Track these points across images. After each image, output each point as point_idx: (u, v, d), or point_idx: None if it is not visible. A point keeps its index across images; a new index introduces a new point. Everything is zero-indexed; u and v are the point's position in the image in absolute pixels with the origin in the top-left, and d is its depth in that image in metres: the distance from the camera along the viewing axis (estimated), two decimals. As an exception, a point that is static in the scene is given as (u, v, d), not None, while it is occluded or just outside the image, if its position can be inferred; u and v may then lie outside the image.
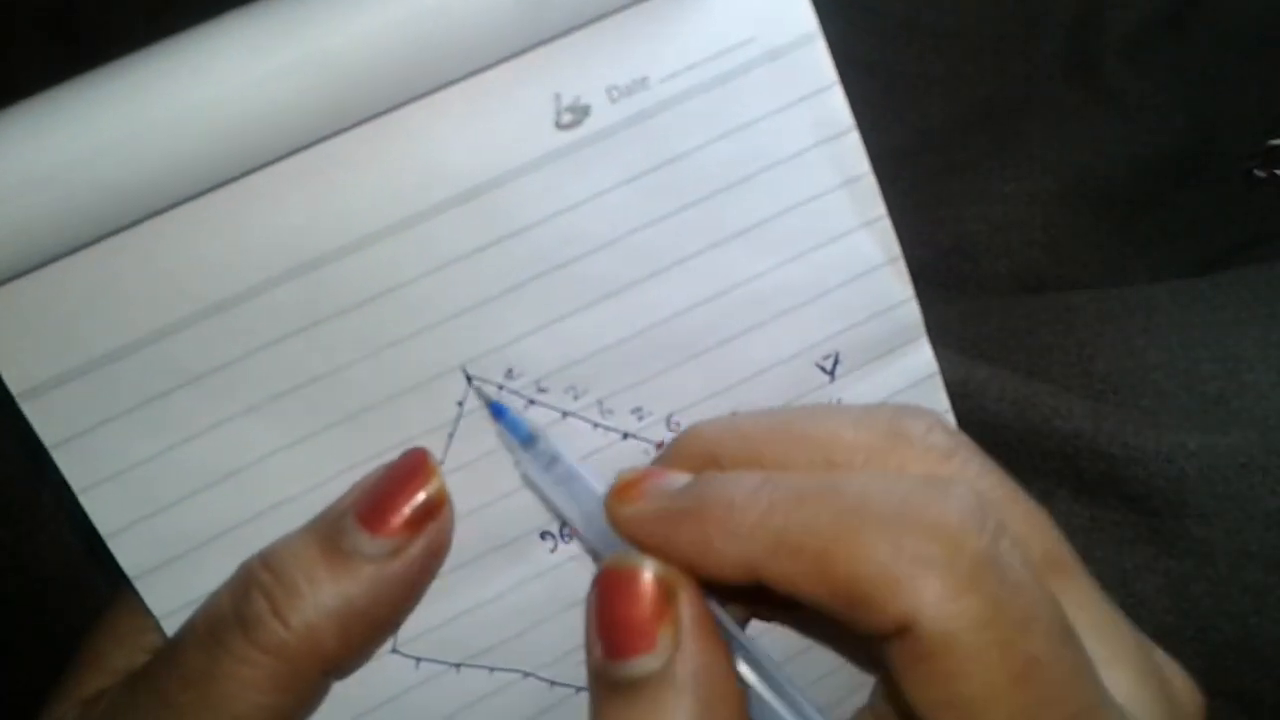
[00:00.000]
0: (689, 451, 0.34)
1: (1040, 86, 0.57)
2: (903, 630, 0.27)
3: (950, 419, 0.38)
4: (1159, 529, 0.44)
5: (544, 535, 0.36)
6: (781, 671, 0.32)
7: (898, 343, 0.37)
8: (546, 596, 0.36)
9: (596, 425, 0.36)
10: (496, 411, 0.35)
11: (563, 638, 0.37)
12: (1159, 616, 0.44)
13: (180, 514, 0.34)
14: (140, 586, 0.34)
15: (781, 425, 0.33)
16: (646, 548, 0.31)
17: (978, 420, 0.46)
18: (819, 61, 0.34)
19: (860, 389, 0.37)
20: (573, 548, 0.36)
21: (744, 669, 0.32)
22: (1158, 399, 0.45)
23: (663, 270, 0.34)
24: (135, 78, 0.29)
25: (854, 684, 0.37)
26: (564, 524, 0.36)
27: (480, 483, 0.35)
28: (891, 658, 0.28)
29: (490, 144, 0.33)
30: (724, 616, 0.32)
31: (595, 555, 0.36)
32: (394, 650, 0.36)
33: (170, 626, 0.34)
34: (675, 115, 0.33)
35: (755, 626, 0.37)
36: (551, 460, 0.34)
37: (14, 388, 0.32)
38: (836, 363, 0.36)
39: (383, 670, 0.36)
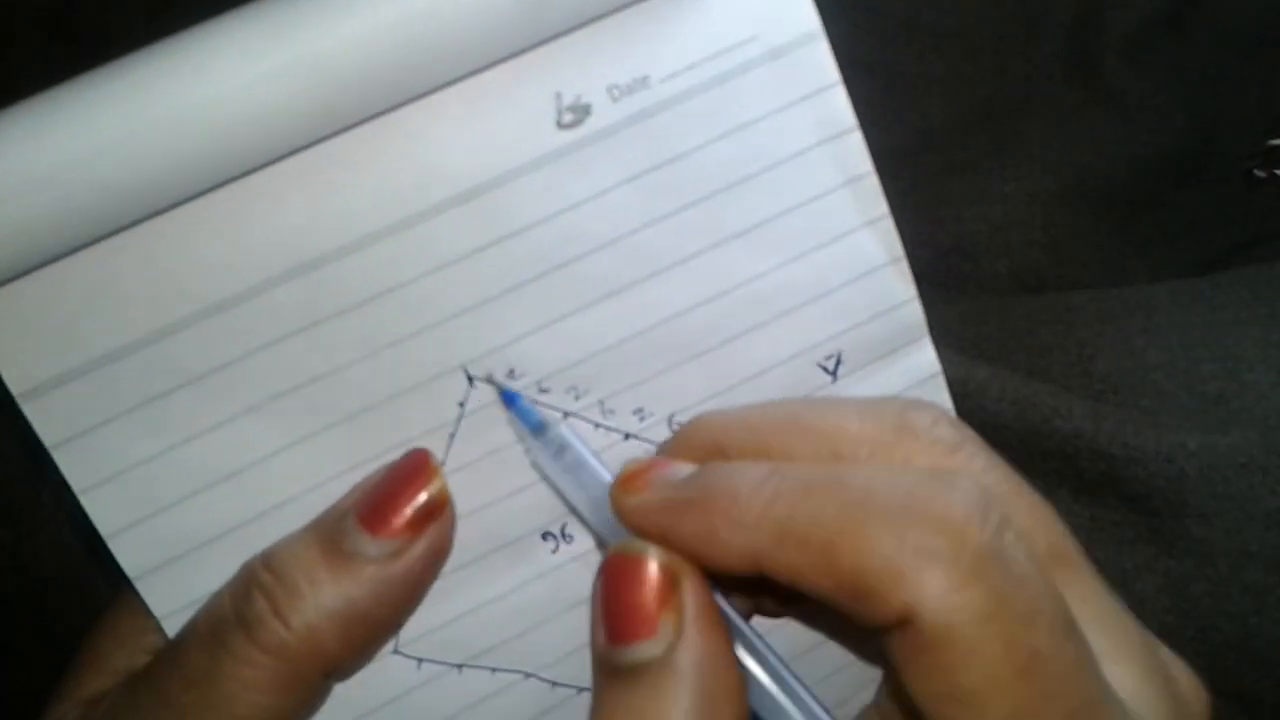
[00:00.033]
0: (695, 441, 0.34)
1: (1040, 86, 0.57)
2: (905, 622, 0.27)
3: (956, 419, 0.38)
4: (1159, 529, 0.44)
5: (546, 536, 0.36)
6: (784, 663, 0.32)
7: (900, 342, 0.37)
8: (548, 597, 0.36)
9: (598, 425, 0.36)
10: (508, 399, 0.35)
11: (565, 638, 0.37)
12: (1159, 616, 0.44)
13: (181, 514, 0.34)
14: (141, 587, 0.34)
15: (788, 417, 0.33)
16: (651, 537, 0.31)
17: (978, 420, 0.46)
18: (821, 60, 0.34)
19: (863, 389, 0.37)
20: (574, 548, 0.36)
21: (746, 659, 0.32)
22: (1158, 399, 0.45)
23: (664, 270, 0.34)
24: (135, 78, 0.29)
25: (860, 681, 0.37)
26: (565, 525, 0.36)
27: (482, 483, 0.35)
28: (894, 650, 0.28)
29: (491, 144, 0.33)
30: (728, 607, 0.32)
31: (602, 544, 0.36)
32: (396, 651, 0.36)
33: (171, 627, 0.34)
34: (676, 114, 0.33)
35: (763, 624, 0.37)
36: (561, 449, 0.34)
37: (14, 388, 0.32)
38: (839, 363, 0.36)
39: (384, 671, 0.36)
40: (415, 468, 0.34)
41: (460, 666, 0.36)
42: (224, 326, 0.33)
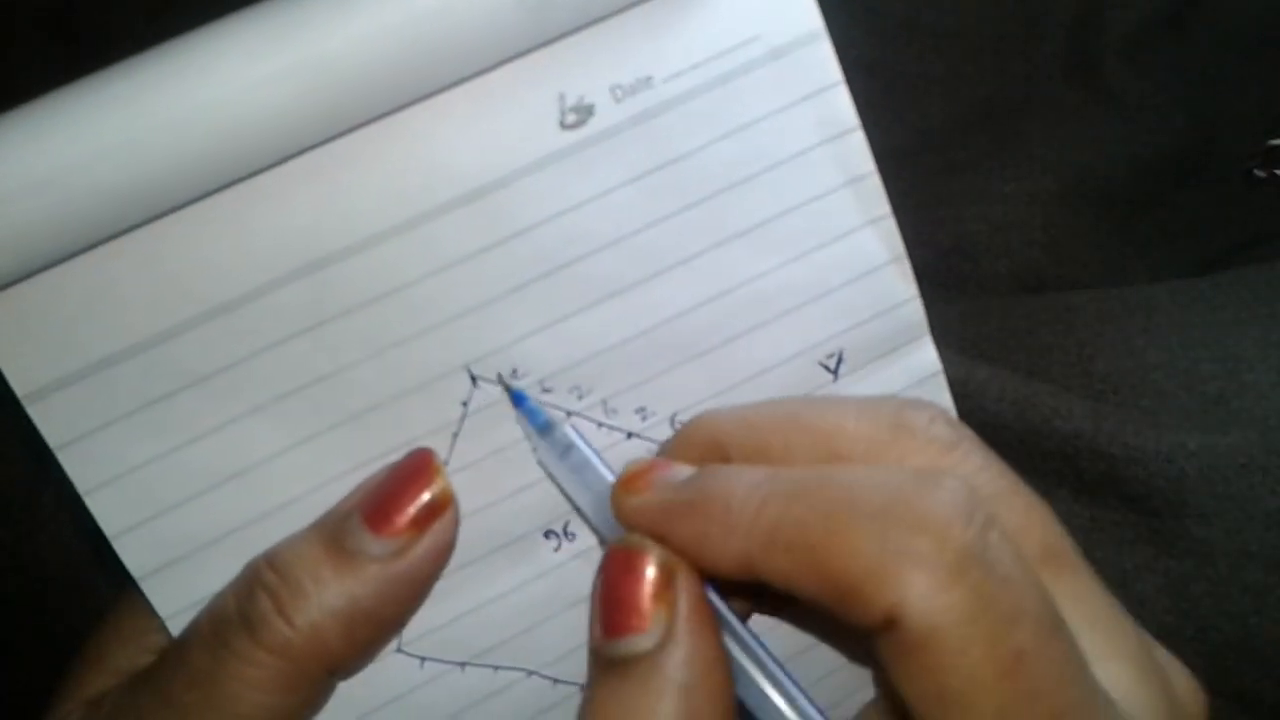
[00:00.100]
0: (696, 440, 0.34)
1: (1040, 86, 0.57)
2: (891, 624, 0.27)
3: (953, 417, 0.38)
4: (1159, 529, 0.44)
5: (548, 534, 0.36)
6: (779, 663, 0.32)
7: (901, 341, 0.37)
8: (550, 595, 0.37)
9: (601, 425, 0.36)
10: (517, 399, 0.35)
11: (566, 636, 0.37)
12: (1159, 616, 0.44)
13: (185, 515, 0.34)
14: (145, 587, 0.34)
15: (787, 415, 0.33)
16: (650, 538, 0.32)
17: (978, 420, 0.46)
18: (823, 60, 0.34)
19: (863, 388, 0.37)
20: (577, 546, 0.37)
21: (741, 658, 0.32)
22: (1158, 399, 0.45)
23: (667, 270, 0.34)
24: (138, 80, 0.29)
25: (856, 683, 0.37)
26: (567, 524, 0.36)
27: (484, 482, 0.35)
28: (883, 652, 0.28)
29: (495, 144, 0.33)
30: (722, 606, 0.32)
31: (604, 543, 0.36)
32: (399, 650, 0.36)
33: (175, 627, 0.34)
34: (679, 115, 0.33)
35: (760, 623, 0.37)
36: (566, 448, 0.34)
37: (19, 390, 0.32)
38: (840, 362, 0.36)
39: (388, 670, 0.36)
40: (418, 467, 0.34)
41: (463, 665, 0.36)
42: (228, 328, 0.33)
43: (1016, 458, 0.45)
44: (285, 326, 0.33)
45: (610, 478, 0.34)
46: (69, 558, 0.48)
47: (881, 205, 0.35)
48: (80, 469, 0.33)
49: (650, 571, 0.31)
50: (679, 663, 0.30)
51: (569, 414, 0.35)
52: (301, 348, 0.33)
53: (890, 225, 0.35)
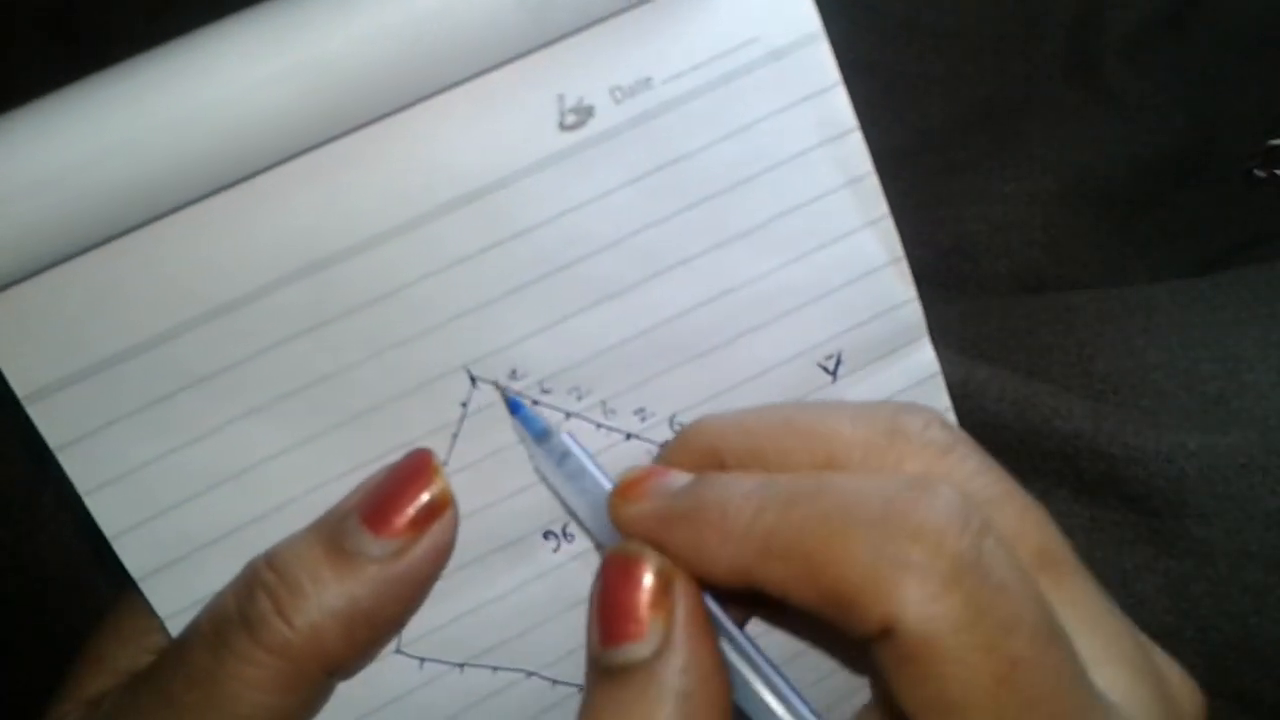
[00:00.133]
0: (693, 446, 0.34)
1: (1040, 86, 0.57)
2: (887, 632, 0.27)
3: (951, 419, 0.38)
4: (1159, 529, 0.44)
5: (547, 535, 0.36)
6: (777, 669, 0.32)
7: (900, 343, 0.37)
8: (549, 596, 0.37)
9: (600, 426, 0.36)
10: (513, 406, 0.35)
11: (565, 637, 0.37)
12: (1159, 616, 0.44)
13: (185, 515, 0.34)
14: (145, 587, 0.34)
15: (782, 421, 0.33)
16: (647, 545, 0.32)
17: (978, 420, 0.46)
18: (822, 61, 0.34)
19: (862, 389, 0.37)
20: (576, 547, 0.37)
21: (739, 665, 0.32)
22: (1158, 399, 0.45)
23: (666, 271, 0.34)
24: (140, 80, 0.30)
25: (853, 686, 0.37)
26: (566, 525, 0.36)
27: (484, 483, 0.35)
28: (880, 660, 0.28)
29: (494, 145, 0.33)
30: (720, 613, 0.32)
31: (602, 550, 0.36)
32: (398, 650, 0.36)
33: (175, 627, 0.34)
34: (679, 116, 0.33)
35: (757, 627, 0.37)
36: (563, 456, 0.34)
37: (19, 390, 0.32)
38: (839, 363, 0.36)
39: (387, 670, 0.36)
40: (417, 467, 0.34)
41: (462, 666, 0.36)
42: (228, 328, 0.33)
43: (1016, 458, 0.45)
44: (286, 327, 0.33)
45: (607, 485, 0.34)
46: (69, 558, 0.48)
47: (880, 206, 0.35)
48: (80, 469, 0.33)
49: (648, 578, 0.31)
50: (677, 670, 0.30)
51: (568, 415, 0.35)
52: (302, 348, 0.33)
53: (889, 226, 0.35)
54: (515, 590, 0.36)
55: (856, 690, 0.37)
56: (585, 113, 0.33)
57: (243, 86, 0.30)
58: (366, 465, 0.35)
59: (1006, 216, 0.54)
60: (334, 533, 0.33)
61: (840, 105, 0.34)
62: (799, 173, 0.34)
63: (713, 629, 0.32)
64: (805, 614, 0.29)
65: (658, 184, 0.34)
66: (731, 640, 0.32)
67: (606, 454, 0.36)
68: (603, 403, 0.35)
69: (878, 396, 0.37)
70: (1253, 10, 0.58)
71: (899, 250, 0.36)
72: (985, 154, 0.55)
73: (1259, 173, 0.55)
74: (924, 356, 0.37)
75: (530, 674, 0.37)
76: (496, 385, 0.35)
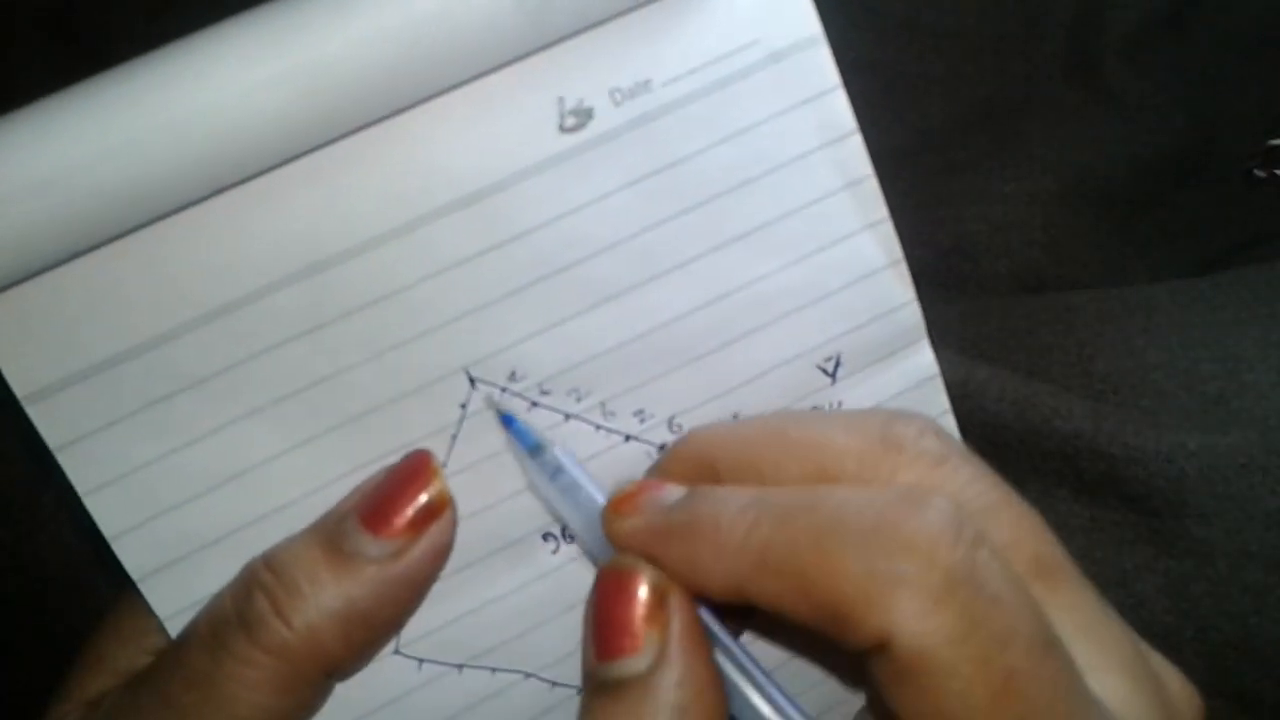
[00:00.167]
0: (686, 458, 0.34)
1: (1040, 86, 0.57)
2: (881, 647, 0.27)
3: (951, 420, 0.38)
4: (1159, 529, 0.44)
5: (546, 537, 0.36)
6: (773, 681, 0.32)
7: (899, 345, 0.37)
8: (548, 598, 0.37)
9: (599, 428, 0.36)
10: (506, 421, 0.35)
11: (564, 639, 0.37)
12: (1159, 616, 0.44)
13: (184, 516, 0.34)
14: (144, 588, 0.34)
15: (776, 431, 0.33)
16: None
17: (978, 420, 0.46)
18: (821, 64, 0.34)
19: (861, 391, 0.37)
20: (575, 549, 0.37)
21: (735, 677, 0.32)
22: (1158, 399, 0.45)
23: (665, 273, 0.34)
24: (139, 82, 0.29)
25: (846, 692, 0.37)
26: (565, 526, 0.36)
27: (483, 485, 0.35)
28: (875, 673, 0.28)
29: (494, 147, 0.33)
30: (715, 624, 0.32)
31: (597, 564, 0.36)
32: (397, 652, 0.36)
33: (174, 628, 0.34)
34: (678, 118, 0.33)
35: (748, 637, 0.37)
36: (557, 469, 0.34)
37: (19, 391, 0.32)
38: (838, 365, 0.36)
39: (385, 671, 0.36)
40: (416, 469, 0.34)
41: (460, 667, 0.36)
42: (227, 330, 0.33)
43: (1016, 458, 0.45)
44: (285, 328, 0.33)
45: (601, 499, 0.34)
46: (69, 558, 0.48)
47: (879, 209, 0.35)
48: (80, 470, 0.33)
49: (642, 592, 0.31)
50: (672, 684, 0.30)
51: (567, 416, 0.35)
52: (301, 350, 0.33)
53: (888, 229, 0.35)
54: (514, 592, 0.36)
55: (849, 696, 0.37)
56: (585, 115, 0.33)
57: (242, 88, 0.30)
58: (365, 467, 0.35)
59: (1006, 216, 0.54)
60: (332, 534, 0.33)
61: (840, 108, 0.34)
62: (798, 175, 0.34)
63: (708, 642, 0.32)
64: (801, 628, 0.29)
65: (657, 186, 0.34)
66: (726, 651, 0.32)
67: (605, 455, 0.36)
68: (602, 404, 0.35)
69: (877, 399, 0.37)
70: (1253, 10, 0.58)
71: (898, 252, 0.36)
72: (985, 154, 0.55)
73: (1259, 173, 0.55)
74: (923, 359, 0.37)
75: (529, 675, 0.37)
76: (490, 400, 0.35)
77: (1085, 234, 0.54)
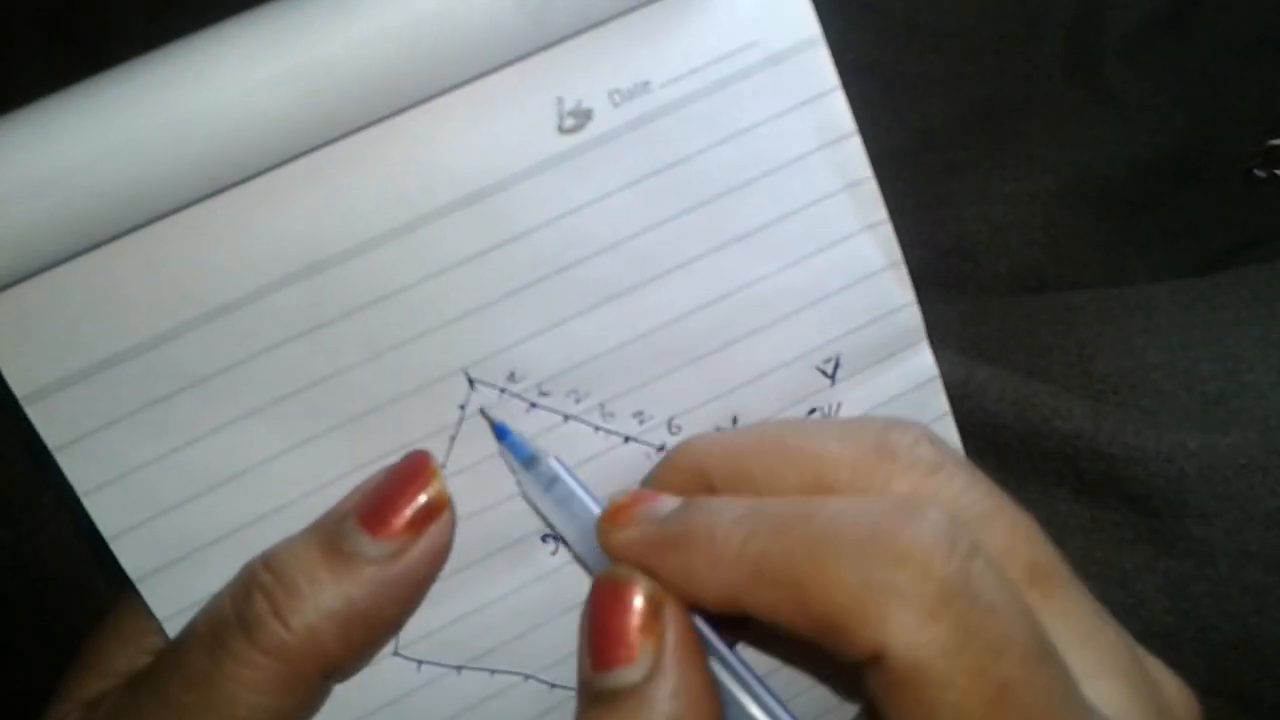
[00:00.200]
0: (681, 468, 0.34)
1: (1040, 86, 0.57)
2: (876, 658, 0.27)
3: (950, 422, 0.38)
4: (1159, 529, 0.44)
5: (545, 538, 0.36)
6: (770, 692, 0.32)
7: (898, 346, 0.37)
8: (548, 599, 0.37)
9: (598, 429, 0.36)
10: (500, 433, 0.35)
11: (563, 640, 0.37)
12: (1159, 616, 0.44)
13: (183, 516, 0.34)
14: (143, 588, 0.34)
15: (770, 441, 0.33)
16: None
17: (978, 420, 0.46)
18: (821, 66, 0.34)
19: (860, 393, 0.37)
20: (573, 551, 0.37)
21: (731, 687, 0.32)
22: (1158, 399, 0.45)
23: (665, 274, 0.34)
24: (140, 82, 0.30)
25: (839, 699, 0.37)
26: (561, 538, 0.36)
27: (482, 485, 0.35)
28: (871, 684, 0.28)
29: (493, 148, 0.33)
30: (710, 634, 0.32)
31: (592, 574, 0.36)
32: (396, 653, 0.36)
33: (173, 628, 0.34)
34: (677, 119, 0.33)
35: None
36: (551, 480, 0.34)
37: (18, 390, 0.32)
38: (837, 366, 0.36)
39: (384, 673, 0.36)
40: (415, 469, 0.34)
41: (460, 668, 0.36)
42: (227, 330, 0.33)
43: (1016, 458, 0.45)
44: (285, 328, 0.33)
45: (596, 510, 0.34)
46: (69, 558, 0.48)
47: (879, 210, 0.35)
48: (79, 470, 0.33)
49: (638, 603, 0.31)
50: (667, 695, 0.30)
51: (566, 417, 0.35)
52: (300, 350, 0.33)
53: (887, 230, 0.35)
54: (513, 593, 0.36)
55: (843, 703, 0.37)
56: (584, 116, 0.33)
57: (242, 88, 0.30)
58: (365, 467, 0.35)
59: (1006, 216, 0.54)
60: (331, 534, 0.33)
61: (839, 110, 0.34)
62: (797, 177, 0.34)
63: (703, 652, 0.32)
64: (796, 639, 0.29)
65: (656, 187, 0.34)
66: (722, 660, 0.32)
67: (604, 457, 0.36)
68: (601, 405, 0.35)
69: (876, 400, 0.37)
70: (1253, 10, 0.58)
71: (897, 254, 0.36)
72: (985, 154, 0.55)
73: (1259, 173, 0.55)
74: (922, 360, 0.37)
75: (528, 677, 0.37)
76: (483, 411, 0.35)
77: (1085, 234, 0.54)
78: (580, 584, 0.36)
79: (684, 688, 0.30)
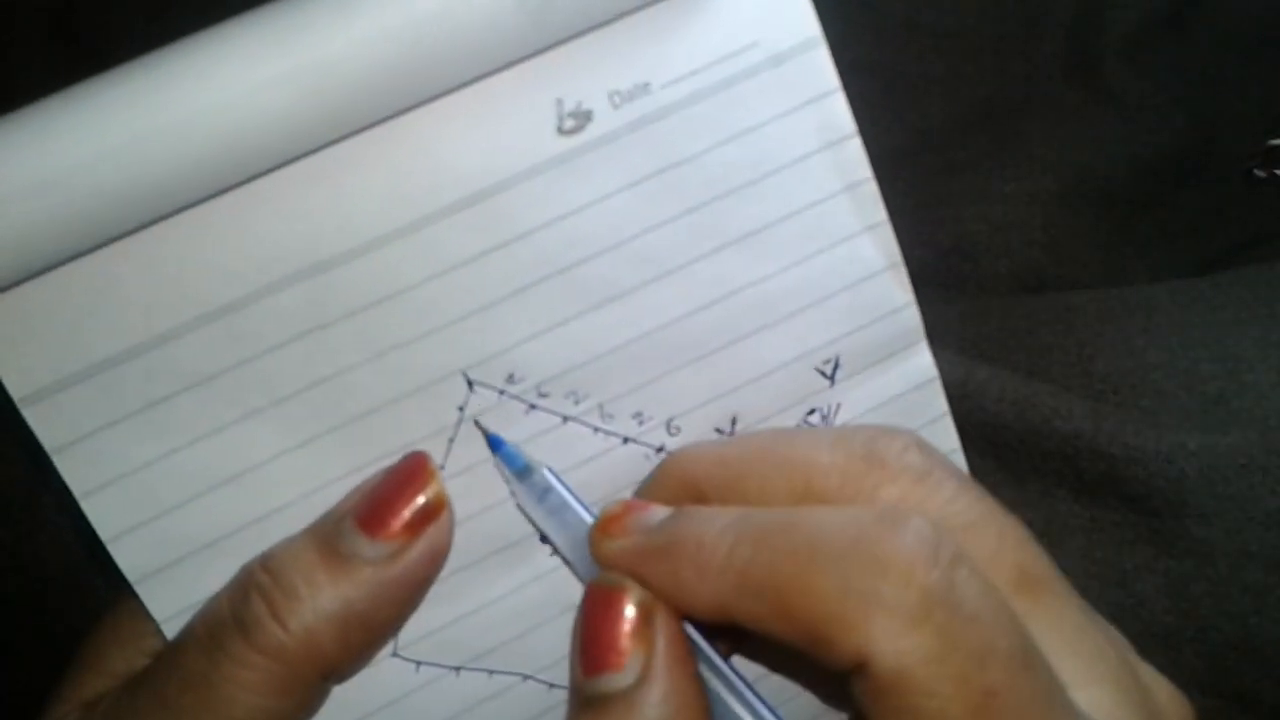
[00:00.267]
0: (672, 478, 0.34)
1: (1040, 86, 0.57)
2: (861, 667, 0.27)
3: (949, 422, 0.38)
4: (1159, 529, 0.44)
5: (544, 539, 0.36)
6: (760, 699, 0.32)
7: (898, 347, 0.37)
8: (546, 599, 0.37)
9: (597, 430, 0.36)
10: (494, 444, 0.35)
11: (562, 640, 0.37)
12: (1159, 616, 0.44)
13: (181, 518, 0.34)
14: (140, 590, 0.34)
15: (760, 450, 0.33)
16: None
17: (978, 420, 0.46)
18: (821, 67, 0.34)
19: (860, 393, 0.37)
20: (571, 552, 0.37)
21: (721, 693, 0.32)
22: (1158, 399, 0.45)
23: (664, 275, 0.34)
24: (141, 82, 0.30)
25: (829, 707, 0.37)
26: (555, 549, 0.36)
27: (481, 487, 0.35)
28: (856, 693, 0.28)
29: (493, 149, 0.33)
30: (701, 640, 0.32)
31: (584, 583, 0.36)
32: (394, 654, 0.36)
33: (171, 630, 0.34)
34: (677, 120, 0.33)
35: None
36: (545, 491, 0.34)
37: (15, 393, 0.32)
38: (836, 367, 0.36)
39: (383, 674, 0.36)
40: (413, 470, 0.34)
41: (458, 669, 0.36)
42: (226, 331, 0.33)
43: (1016, 458, 0.45)
44: (285, 329, 0.33)
45: (589, 519, 0.34)
46: (69, 558, 0.48)
47: (878, 211, 0.35)
48: (76, 471, 0.33)
49: (629, 610, 0.31)
50: (655, 701, 0.30)
51: (565, 419, 0.35)
52: (299, 351, 0.33)
53: (887, 231, 0.35)
54: (512, 593, 0.36)
55: (833, 710, 0.37)
56: (584, 117, 0.33)
57: (243, 89, 0.30)
58: (363, 468, 0.35)
59: (1006, 216, 0.54)
60: (329, 536, 0.33)
61: (839, 110, 0.34)
62: (797, 178, 0.34)
63: (693, 659, 0.32)
64: (785, 648, 0.29)
65: (656, 188, 0.34)
66: (712, 667, 0.32)
67: (603, 458, 0.36)
68: (600, 406, 0.35)
69: (875, 401, 0.37)
70: (1253, 10, 0.58)
71: (897, 255, 0.36)
72: (985, 154, 0.55)
73: (1259, 173, 0.55)
74: (922, 361, 0.37)
75: (527, 677, 0.37)
76: (478, 423, 0.35)
77: (1085, 234, 0.54)
78: (578, 585, 0.36)
79: (673, 693, 0.30)
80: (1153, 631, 0.43)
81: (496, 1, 0.30)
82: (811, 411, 0.37)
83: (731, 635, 0.33)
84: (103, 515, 0.33)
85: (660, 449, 0.36)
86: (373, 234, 0.33)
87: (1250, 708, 0.43)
